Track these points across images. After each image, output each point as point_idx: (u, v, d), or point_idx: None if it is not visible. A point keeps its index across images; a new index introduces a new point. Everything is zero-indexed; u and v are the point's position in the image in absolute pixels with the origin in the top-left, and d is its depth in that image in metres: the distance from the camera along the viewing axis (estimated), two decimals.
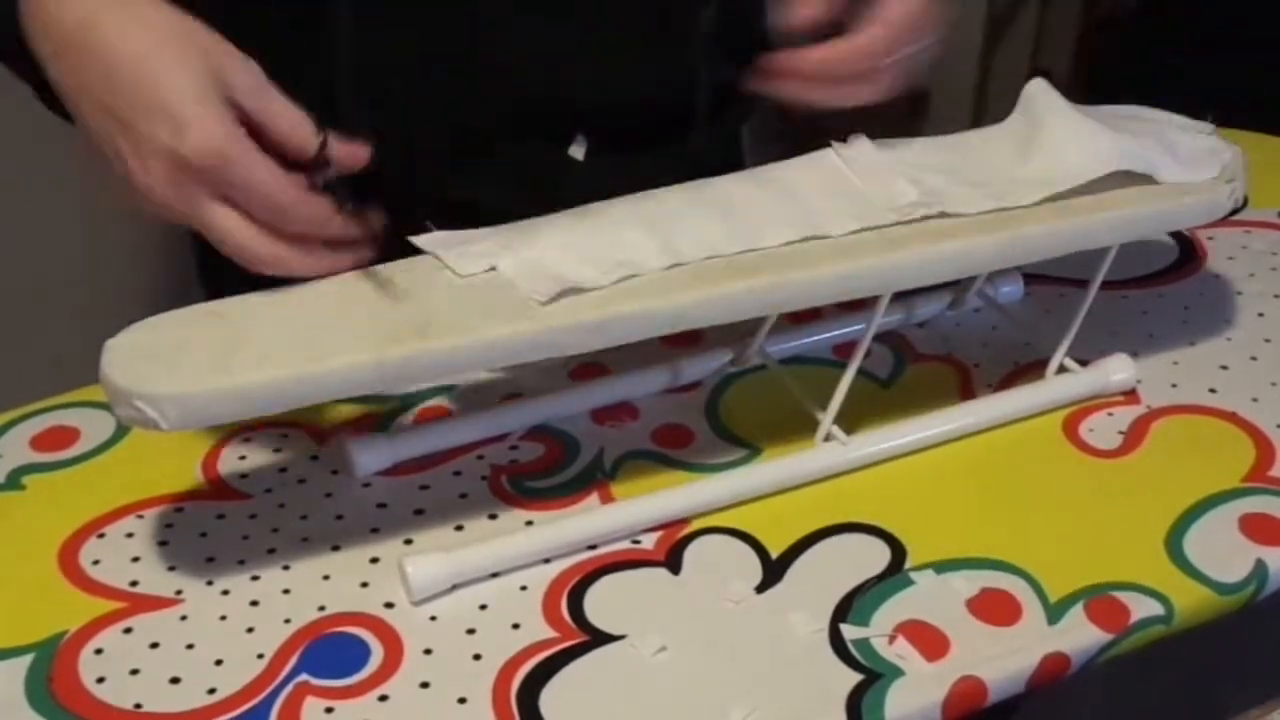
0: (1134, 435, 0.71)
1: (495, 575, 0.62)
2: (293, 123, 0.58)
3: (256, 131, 0.57)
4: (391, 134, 0.61)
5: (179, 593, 0.62)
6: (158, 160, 0.56)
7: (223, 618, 0.60)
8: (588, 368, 0.75)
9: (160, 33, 0.57)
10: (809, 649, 0.59)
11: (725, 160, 0.71)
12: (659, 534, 0.65)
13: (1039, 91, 0.72)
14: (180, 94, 0.55)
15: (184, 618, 0.60)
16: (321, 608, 0.61)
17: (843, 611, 0.60)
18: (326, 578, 0.62)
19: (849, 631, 0.59)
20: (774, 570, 0.63)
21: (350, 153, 0.59)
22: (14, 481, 0.68)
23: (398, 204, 0.60)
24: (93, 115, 0.58)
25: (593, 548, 0.64)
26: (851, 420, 0.69)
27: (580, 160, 0.79)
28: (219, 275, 0.87)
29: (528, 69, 0.67)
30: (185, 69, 0.56)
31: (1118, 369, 0.73)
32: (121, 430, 0.71)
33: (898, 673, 0.57)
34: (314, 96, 0.60)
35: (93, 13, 0.57)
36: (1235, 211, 0.71)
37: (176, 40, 0.57)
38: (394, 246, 0.61)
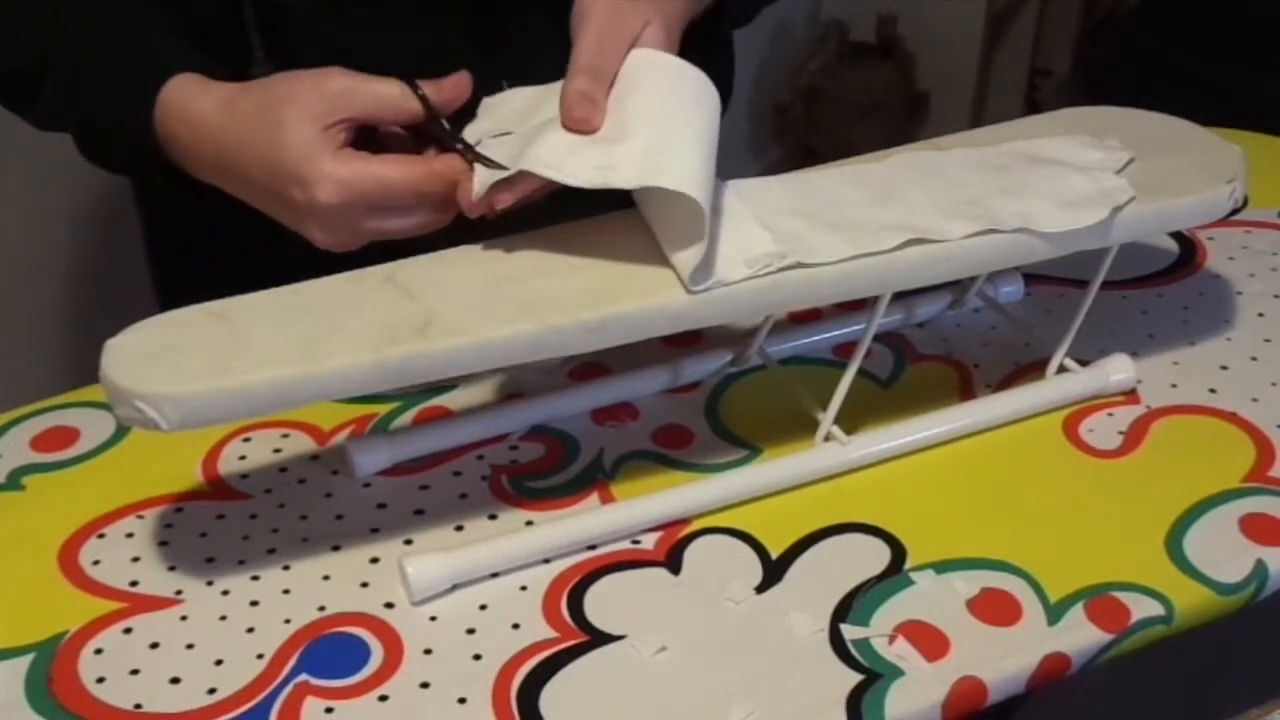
0: (1134, 435, 0.71)
1: (495, 575, 0.62)
2: (389, 105, 0.63)
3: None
4: None
5: (179, 593, 0.62)
6: (308, 216, 0.62)
7: (223, 618, 0.60)
8: (588, 368, 0.75)
9: (246, 109, 0.63)
10: (809, 649, 0.59)
11: None
12: (659, 534, 0.65)
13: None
14: (292, 154, 0.61)
15: (184, 618, 0.60)
16: (321, 608, 0.61)
17: (843, 611, 0.60)
18: (326, 578, 0.62)
19: (849, 631, 0.59)
20: (774, 570, 0.63)
21: (449, 91, 0.64)
22: (14, 481, 0.68)
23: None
24: (240, 194, 0.65)
25: (593, 548, 0.64)
26: (851, 420, 0.69)
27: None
28: (171, 271, 0.89)
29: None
30: (283, 128, 0.61)
31: (1118, 369, 0.73)
32: (121, 430, 0.71)
33: (898, 673, 0.57)
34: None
35: (196, 134, 0.65)
36: (1235, 211, 0.71)
37: (262, 107, 0.62)
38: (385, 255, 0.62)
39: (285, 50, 0.69)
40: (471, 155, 0.61)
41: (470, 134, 0.63)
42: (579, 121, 0.61)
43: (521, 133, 0.62)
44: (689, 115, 0.62)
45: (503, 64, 0.68)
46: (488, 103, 0.66)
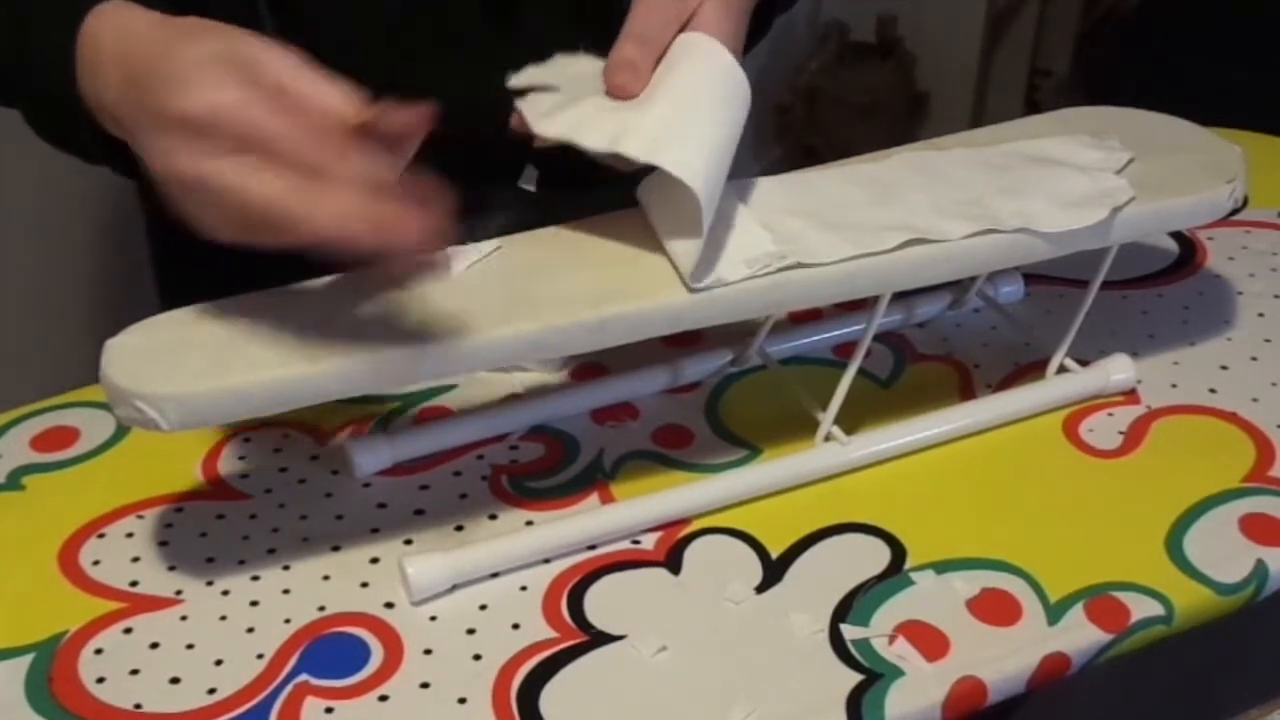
0: (1134, 435, 0.71)
1: (495, 575, 0.62)
2: (330, 95, 0.51)
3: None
4: None
5: (179, 593, 0.62)
6: (168, 130, 0.52)
7: (223, 618, 0.60)
8: (588, 368, 0.75)
9: (175, 26, 0.55)
10: (809, 649, 0.59)
11: None
12: (659, 534, 0.65)
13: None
14: (186, 61, 0.52)
15: (184, 618, 0.60)
16: (321, 608, 0.61)
17: (843, 611, 0.60)
18: (326, 578, 0.62)
19: (849, 631, 0.59)
20: (774, 570, 0.63)
21: (403, 118, 0.52)
22: (14, 481, 0.68)
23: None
24: (131, 131, 0.55)
25: (593, 548, 0.64)
26: (851, 420, 0.69)
27: (533, 191, 0.79)
28: (173, 276, 0.88)
29: (473, 114, 0.66)
30: (196, 43, 0.53)
31: (1118, 369, 0.73)
32: (121, 430, 0.71)
33: (898, 673, 0.57)
34: None
35: (121, 40, 0.56)
36: (1235, 211, 0.71)
37: (192, 26, 0.54)
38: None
39: (295, 24, 0.68)
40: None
41: (524, 77, 0.62)
42: (618, 87, 0.60)
43: (567, 92, 0.62)
44: (715, 109, 0.61)
45: (515, 44, 0.67)
46: (560, 58, 0.64)
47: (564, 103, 0.61)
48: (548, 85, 0.63)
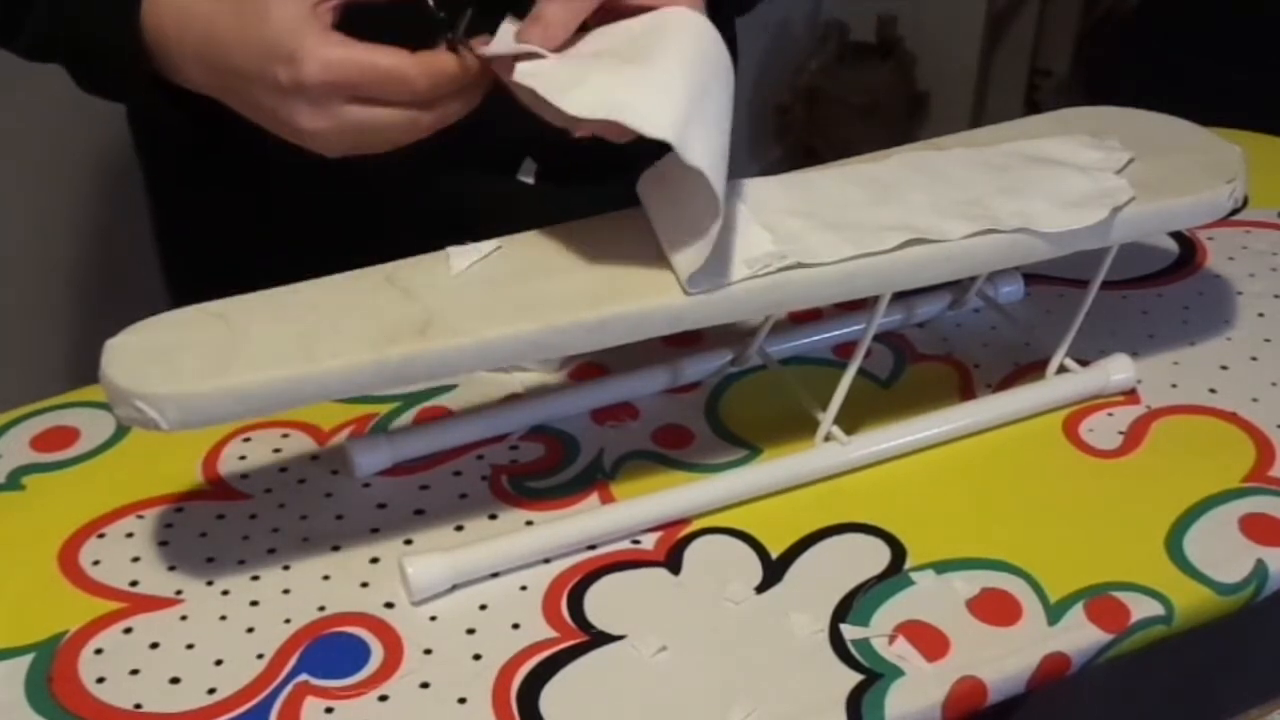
0: (1134, 435, 0.71)
1: (495, 575, 0.62)
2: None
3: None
4: (326, 171, 0.62)
5: (179, 593, 0.62)
6: (293, 96, 0.59)
7: (223, 618, 0.60)
8: (588, 368, 0.75)
9: None
10: (809, 649, 0.59)
11: None
12: (659, 534, 0.65)
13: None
14: (276, 28, 0.58)
15: (184, 618, 0.60)
16: (321, 608, 0.61)
17: (843, 611, 0.60)
18: (326, 578, 0.62)
19: (849, 631, 0.59)
20: (774, 570, 0.63)
21: None
22: (14, 481, 0.68)
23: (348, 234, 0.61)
24: (224, 89, 0.62)
25: (593, 548, 0.64)
26: (851, 420, 0.69)
27: (531, 183, 0.79)
28: (183, 271, 0.88)
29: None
30: (268, 5, 0.58)
31: (1118, 369, 0.73)
32: (121, 430, 0.71)
33: (898, 673, 0.57)
34: (247, 136, 0.62)
35: (182, 22, 0.62)
36: (1235, 211, 0.71)
37: None
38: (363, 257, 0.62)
39: None
40: (453, 41, 0.60)
41: (505, 34, 0.60)
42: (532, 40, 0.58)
43: (562, 58, 0.59)
44: (723, 97, 0.59)
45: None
46: (508, 20, 0.61)
47: (573, 74, 0.58)
48: (538, 52, 0.59)
